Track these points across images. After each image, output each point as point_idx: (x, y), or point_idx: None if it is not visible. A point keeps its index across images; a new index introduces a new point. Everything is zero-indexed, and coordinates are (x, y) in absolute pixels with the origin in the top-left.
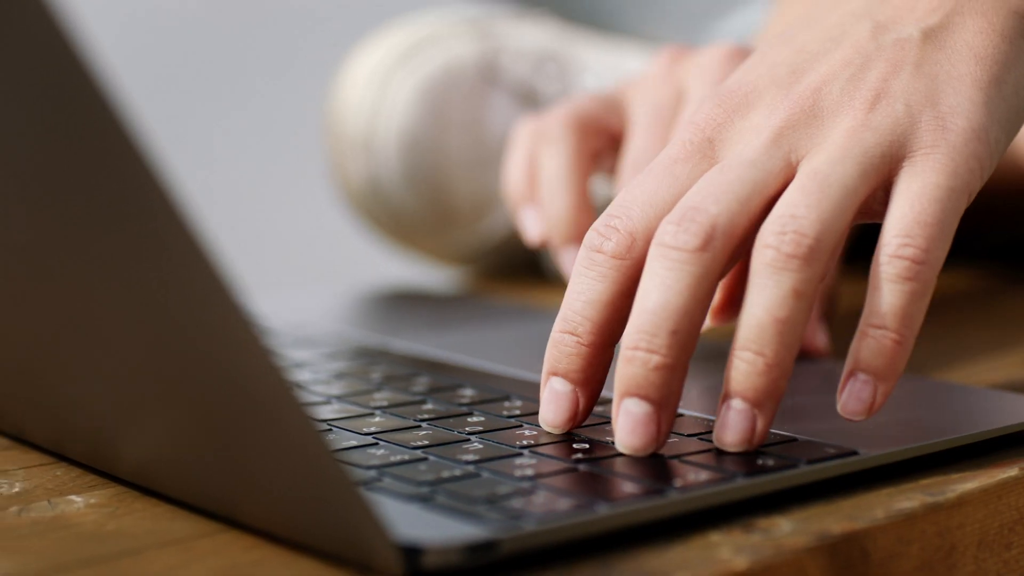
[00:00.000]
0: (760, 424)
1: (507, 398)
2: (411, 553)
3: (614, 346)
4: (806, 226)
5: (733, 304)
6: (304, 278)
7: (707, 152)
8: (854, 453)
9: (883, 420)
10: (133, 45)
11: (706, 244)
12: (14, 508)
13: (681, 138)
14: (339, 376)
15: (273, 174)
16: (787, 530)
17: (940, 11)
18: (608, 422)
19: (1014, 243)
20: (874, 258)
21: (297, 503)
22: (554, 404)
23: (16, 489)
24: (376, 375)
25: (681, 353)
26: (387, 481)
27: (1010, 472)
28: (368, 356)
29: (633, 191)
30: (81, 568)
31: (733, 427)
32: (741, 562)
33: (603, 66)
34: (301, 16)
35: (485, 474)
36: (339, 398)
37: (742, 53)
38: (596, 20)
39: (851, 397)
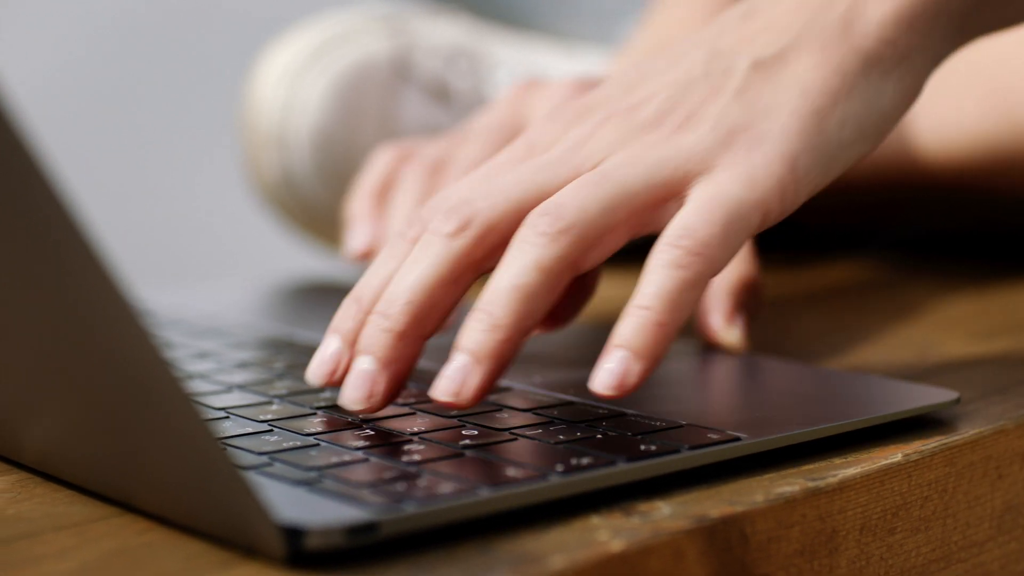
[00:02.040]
0: (472, 379)
1: (403, 387)
2: (293, 535)
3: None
4: (564, 211)
5: (553, 316)
6: (216, 270)
7: (526, 159)
8: (737, 439)
9: (771, 407)
10: (46, 41)
11: (459, 231)
12: None
13: (510, 146)
14: (242, 365)
15: (187, 169)
16: (666, 513)
17: (778, 44)
18: (496, 409)
19: (918, 235)
20: (654, 246)
21: (185, 488)
22: (320, 358)
23: None
24: (279, 364)
25: (412, 323)
26: (277, 467)
27: (893, 458)
28: (273, 346)
29: (450, 189)
30: None
31: (448, 376)
32: (618, 544)
33: (515, 62)
34: (215, 12)
35: (373, 459)
36: (240, 387)
37: (588, 84)
38: (510, 17)
39: (604, 371)
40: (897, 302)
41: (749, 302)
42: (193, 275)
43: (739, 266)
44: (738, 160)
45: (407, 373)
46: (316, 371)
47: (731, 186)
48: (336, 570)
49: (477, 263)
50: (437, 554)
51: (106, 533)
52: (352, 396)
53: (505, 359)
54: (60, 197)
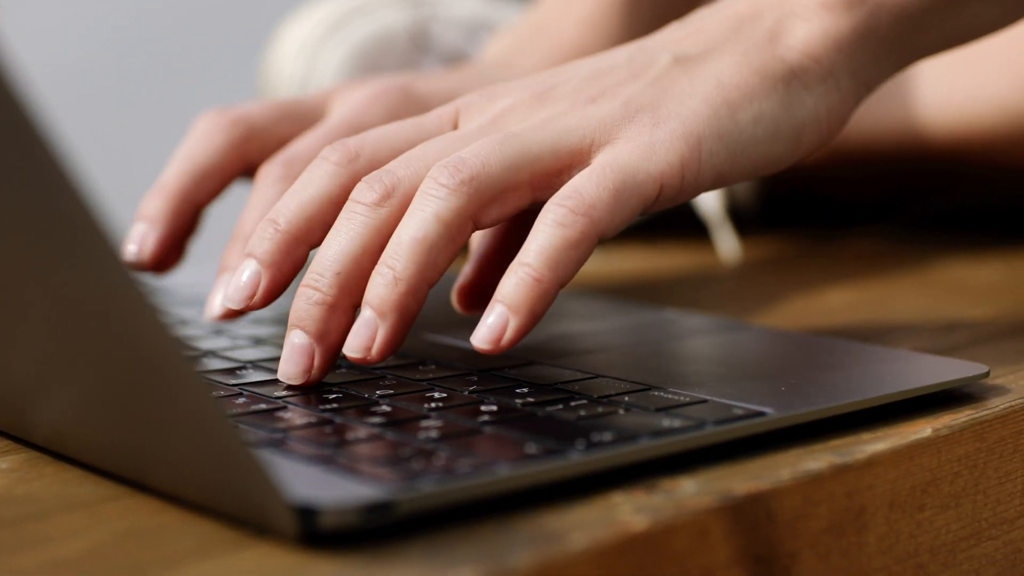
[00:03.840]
0: (380, 334)
1: (422, 363)
2: (306, 514)
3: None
4: (465, 164)
5: (475, 292)
6: None
7: (451, 126)
8: (762, 414)
9: (797, 382)
10: (63, 18)
11: (382, 200)
12: None
13: (438, 110)
14: (257, 342)
15: None
16: (691, 491)
17: (702, 46)
18: (516, 385)
19: (945, 209)
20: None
21: (197, 467)
22: (237, 283)
23: None
24: None
25: (342, 294)
26: (292, 444)
27: (923, 433)
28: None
29: (380, 153)
30: None
31: (356, 333)
32: (641, 522)
33: None
34: None
35: (389, 436)
36: (254, 364)
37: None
38: None
39: (483, 326)
40: (924, 276)
41: None
42: (211, 253)
43: None
44: (642, 132)
45: (341, 342)
46: (234, 296)
47: (629, 155)
48: (350, 549)
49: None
50: (454, 533)
51: (117, 513)
52: (289, 371)
53: (410, 312)
54: (71, 177)
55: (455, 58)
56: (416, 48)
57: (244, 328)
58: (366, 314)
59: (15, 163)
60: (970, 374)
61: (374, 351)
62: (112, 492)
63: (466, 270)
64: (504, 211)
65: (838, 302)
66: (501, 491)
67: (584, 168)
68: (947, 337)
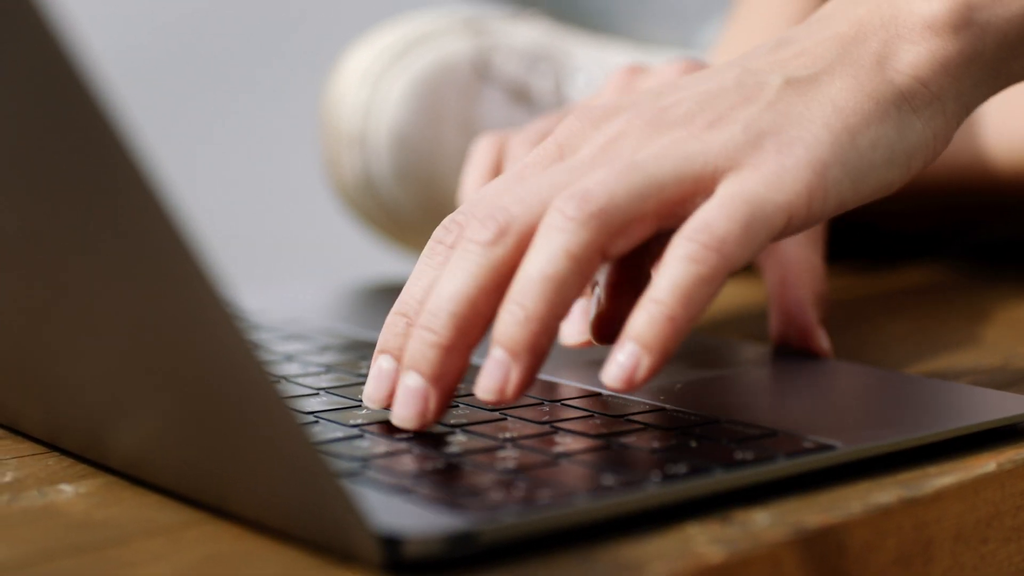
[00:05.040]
0: (514, 375)
1: None
2: (391, 543)
3: None
4: (592, 195)
5: (605, 323)
6: (299, 273)
7: (557, 159)
8: (831, 448)
9: (862, 415)
10: (131, 40)
11: (497, 239)
12: (5, 497)
13: (540, 146)
14: (329, 369)
15: (269, 170)
16: (764, 523)
17: (811, 68)
18: (587, 416)
19: (994, 241)
20: (672, 238)
21: (281, 494)
22: (376, 381)
23: (7, 478)
24: (365, 369)
25: (458, 336)
26: (371, 473)
27: (987, 467)
28: (359, 350)
29: (484, 192)
30: (68, 556)
31: (488, 374)
32: (717, 554)
33: (595, 64)
34: (298, 13)
35: (467, 466)
36: (327, 390)
37: (697, 66)
38: (589, 22)
39: (614, 364)
40: (976, 308)
41: (823, 315)
42: (273, 277)
43: (818, 278)
44: (767, 160)
45: (456, 385)
46: (373, 394)
47: (757, 185)
48: None
49: (516, 268)
50: (535, 562)
51: (199, 539)
52: (403, 414)
53: (543, 350)
54: (159, 199)
55: (516, 88)
56: (478, 77)
57: (314, 355)
58: (498, 355)
59: (97, 180)
60: None
61: (508, 392)
62: (192, 517)
63: (600, 300)
64: (630, 243)
65: (892, 334)
66: (582, 522)
67: (708, 197)
68: (1002, 370)
